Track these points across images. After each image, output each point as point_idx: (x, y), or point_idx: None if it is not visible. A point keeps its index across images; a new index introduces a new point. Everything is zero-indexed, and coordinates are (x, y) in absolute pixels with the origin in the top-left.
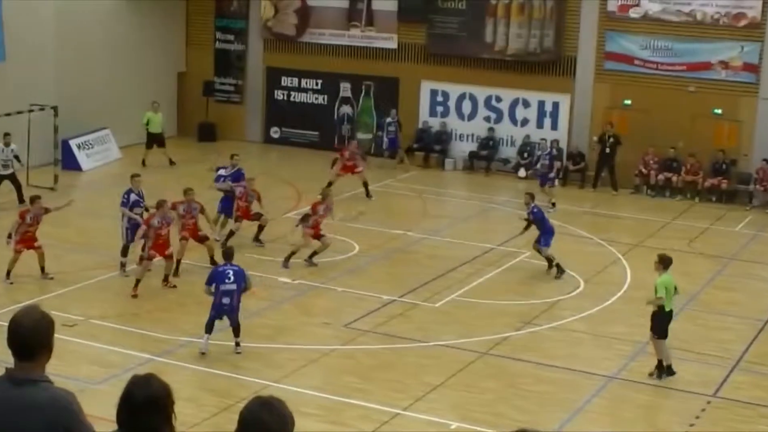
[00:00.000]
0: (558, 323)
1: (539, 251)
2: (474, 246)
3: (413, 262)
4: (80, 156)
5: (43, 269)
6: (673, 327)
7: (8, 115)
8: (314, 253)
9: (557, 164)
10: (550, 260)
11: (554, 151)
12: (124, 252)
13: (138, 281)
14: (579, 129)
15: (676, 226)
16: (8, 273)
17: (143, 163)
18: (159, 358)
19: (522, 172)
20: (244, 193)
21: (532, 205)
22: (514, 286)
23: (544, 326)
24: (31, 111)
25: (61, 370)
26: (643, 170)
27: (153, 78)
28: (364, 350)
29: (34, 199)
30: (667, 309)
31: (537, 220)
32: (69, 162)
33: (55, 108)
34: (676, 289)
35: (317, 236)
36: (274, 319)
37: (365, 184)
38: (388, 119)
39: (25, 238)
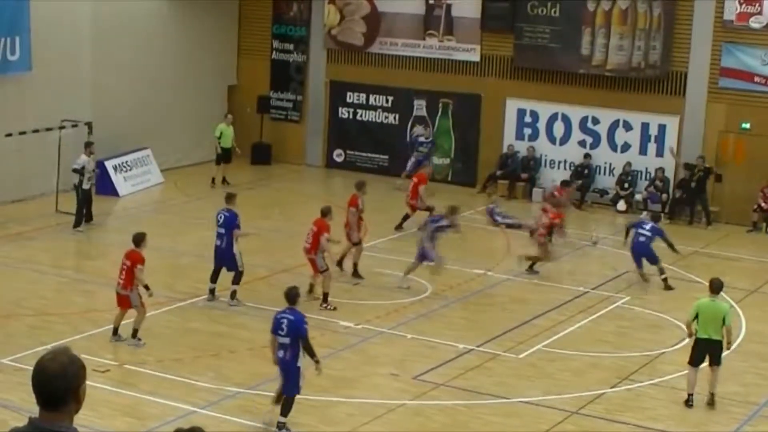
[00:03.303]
0: (660, 379)
1: None
2: (564, 289)
3: (494, 307)
4: (117, 179)
5: (119, 330)
6: None
7: (36, 131)
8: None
9: (663, 197)
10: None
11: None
12: (238, 279)
13: (327, 295)
14: (689, 156)
15: None
16: (133, 332)
17: (213, 182)
18: (203, 411)
19: (621, 205)
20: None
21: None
22: (609, 336)
23: (644, 383)
24: (62, 128)
25: (91, 421)
26: (763, 205)
27: (200, 92)
28: (435, 406)
29: (141, 238)
30: (700, 336)
31: None
32: (104, 186)
33: (89, 124)
34: (725, 319)
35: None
36: (334, 369)
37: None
38: (421, 138)
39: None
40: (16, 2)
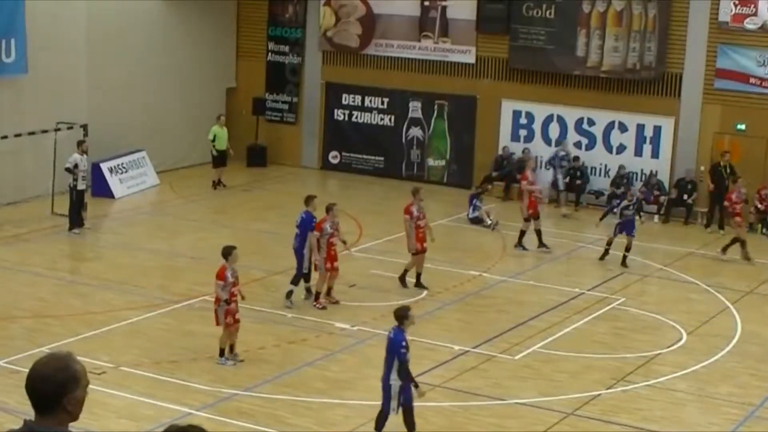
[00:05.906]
0: (656, 381)
1: None
2: (560, 290)
3: (490, 308)
4: (112, 181)
5: (233, 347)
6: None
7: (32, 134)
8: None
9: (662, 198)
10: None
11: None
12: (308, 278)
13: (319, 293)
14: (683, 157)
15: None
16: (228, 349)
17: (213, 185)
18: (198, 413)
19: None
20: None
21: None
22: (605, 337)
23: (639, 384)
24: (57, 130)
25: (85, 423)
26: (759, 206)
27: (197, 94)
28: (431, 408)
29: (228, 252)
30: None
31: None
32: (100, 188)
33: (84, 126)
34: None
35: None
36: (330, 371)
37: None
38: (562, 152)
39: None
40: (11, 4)
